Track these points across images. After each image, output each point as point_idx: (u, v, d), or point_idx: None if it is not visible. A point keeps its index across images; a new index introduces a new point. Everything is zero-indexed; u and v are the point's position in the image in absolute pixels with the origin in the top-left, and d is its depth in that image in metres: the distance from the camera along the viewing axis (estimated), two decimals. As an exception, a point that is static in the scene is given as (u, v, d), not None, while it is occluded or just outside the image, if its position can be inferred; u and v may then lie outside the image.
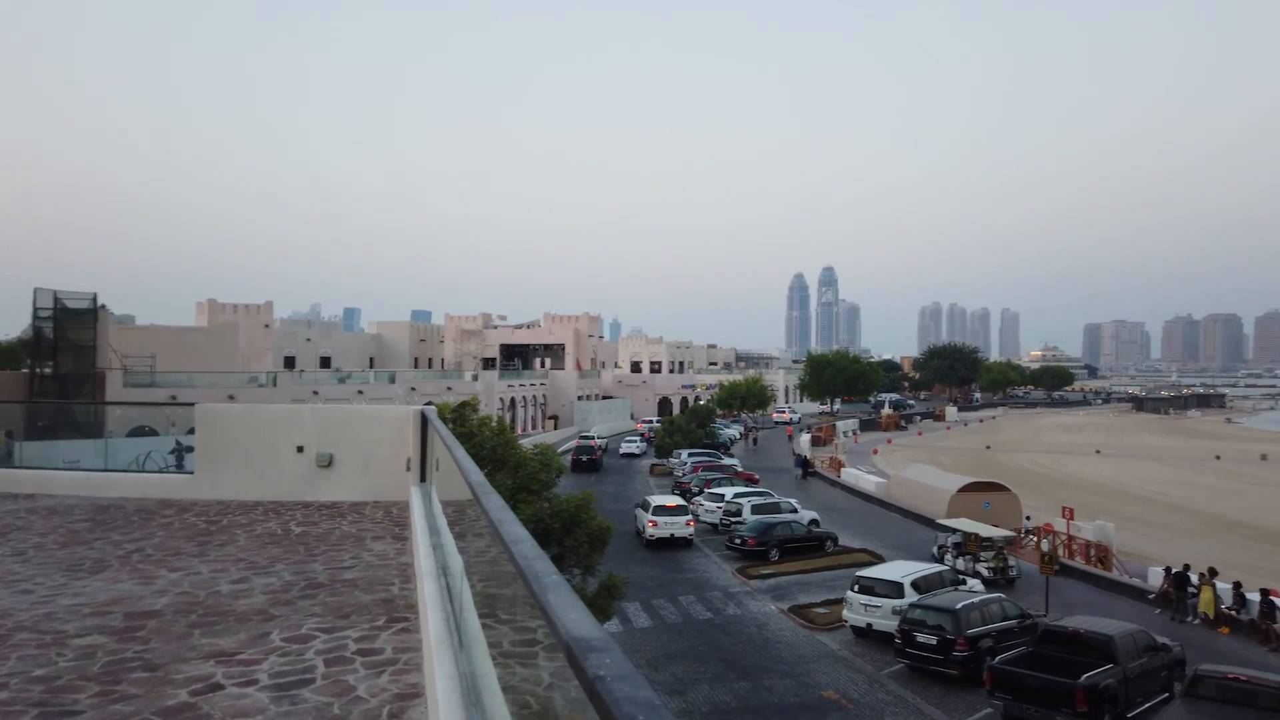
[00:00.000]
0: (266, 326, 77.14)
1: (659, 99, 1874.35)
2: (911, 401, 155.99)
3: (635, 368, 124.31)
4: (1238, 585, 25.25)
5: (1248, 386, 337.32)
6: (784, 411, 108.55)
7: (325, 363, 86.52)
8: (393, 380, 67.60)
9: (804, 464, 59.96)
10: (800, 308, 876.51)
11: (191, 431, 10.90)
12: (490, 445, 22.28)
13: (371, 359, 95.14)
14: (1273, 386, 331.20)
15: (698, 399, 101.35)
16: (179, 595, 6.17)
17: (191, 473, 10.68)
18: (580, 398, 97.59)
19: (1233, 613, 24.59)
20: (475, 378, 79.45)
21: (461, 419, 23.43)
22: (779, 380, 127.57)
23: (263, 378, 57.31)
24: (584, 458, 60.53)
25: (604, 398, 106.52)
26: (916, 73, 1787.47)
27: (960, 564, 29.75)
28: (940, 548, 32.59)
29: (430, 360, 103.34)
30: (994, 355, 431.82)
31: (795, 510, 37.68)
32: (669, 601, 26.61)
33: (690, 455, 57.26)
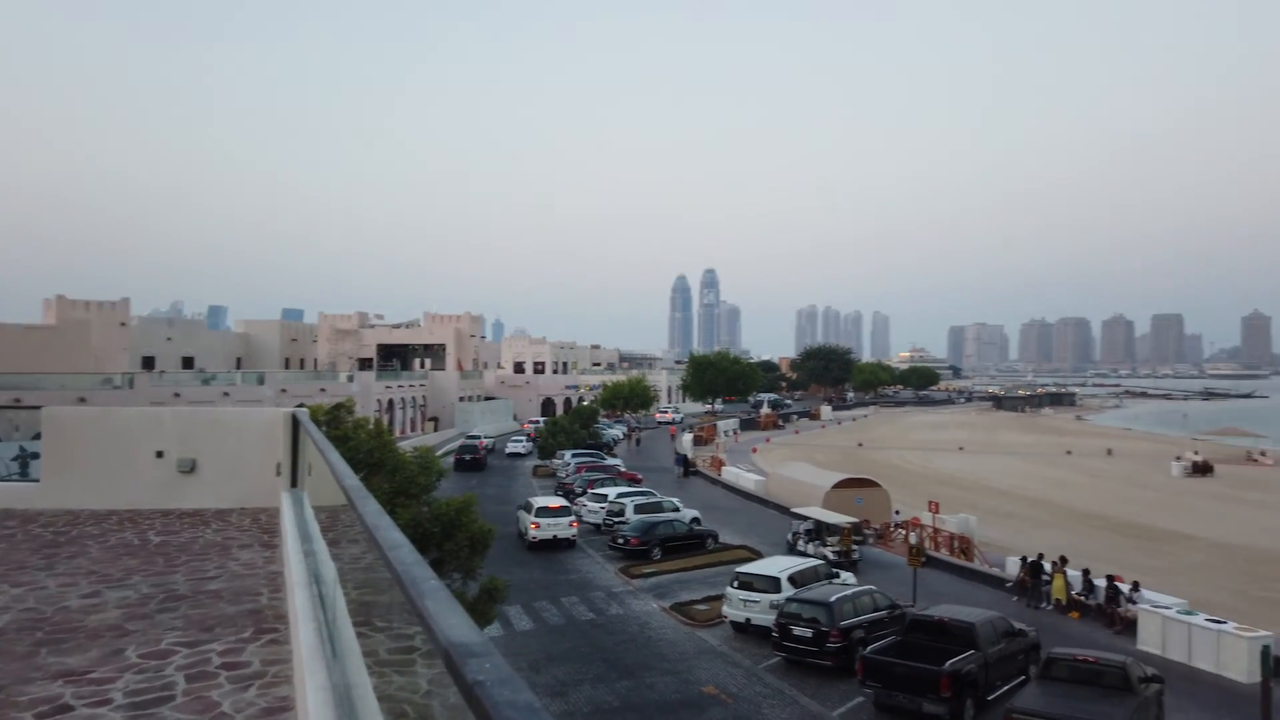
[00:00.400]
0: (123, 325, 72.46)
1: (539, 98, 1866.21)
2: (789, 401, 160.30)
3: (519, 368, 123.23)
4: (1086, 573, 27.02)
5: (1095, 386, 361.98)
6: (667, 412, 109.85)
7: (188, 363, 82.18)
8: (261, 382, 64.74)
9: (684, 463, 60.85)
10: (683, 309, 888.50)
11: (38, 437, 10.17)
12: (367, 448, 21.66)
13: (239, 359, 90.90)
14: (1117, 386, 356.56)
15: (581, 400, 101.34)
16: (23, 612, 5.72)
17: (37, 480, 9.95)
18: (462, 399, 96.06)
19: (1082, 598, 26.27)
20: (351, 379, 76.95)
21: (336, 421, 22.71)
22: (662, 381, 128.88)
23: (118, 379, 53.95)
24: (467, 456, 60.26)
25: (486, 399, 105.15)
26: (787, 77, 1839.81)
27: (810, 549, 32.74)
28: (794, 534, 35.20)
29: (302, 361, 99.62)
30: (866, 356, 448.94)
31: (677, 509, 38.15)
32: (551, 603, 26.50)
33: (573, 456, 57.20)
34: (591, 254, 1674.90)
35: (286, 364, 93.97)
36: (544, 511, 34.88)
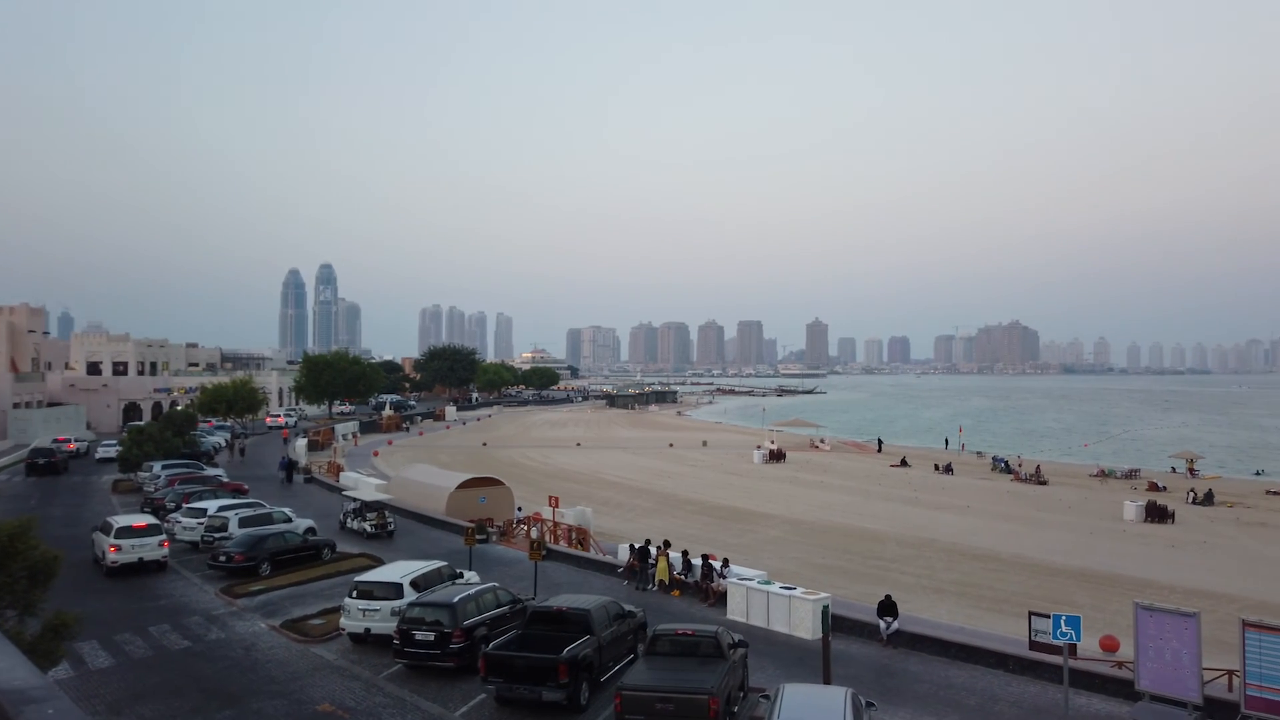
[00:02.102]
0: None
1: (135, 83, 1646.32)
2: (413, 402, 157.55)
3: (94, 369, 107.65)
4: (686, 554, 29.64)
5: (693, 384, 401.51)
6: (280, 415, 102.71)
7: None
8: None
9: (288, 467, 57.35)
10: (296, 306, 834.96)
11: None
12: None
13: None
14: (711, 384, 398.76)
15: (175, 404, 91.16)
16: None
17: None
18: (18, 405, 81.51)
19: (682, 578, 28.77)
20: None
21: None
22: (272, 382, 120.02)
23: None
24: (41, 460, 54.77)
25: (52, 404, 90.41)
26: (403, 68, 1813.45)
27: (353, 524, 38.65)
28: (344, 514, 40.09)
29: None
30: (490, 356, 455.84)
31: (289, 519, 35.57)
32: (137, 634, 23.29)
33: (164, 468, 50.99)
34: (196, 244, 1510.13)
35: None
36: (126, 532, 30.51)
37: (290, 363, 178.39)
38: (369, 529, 37.64)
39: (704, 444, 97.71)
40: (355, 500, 39.96)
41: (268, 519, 35.00)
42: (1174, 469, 78.62)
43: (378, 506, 38.75)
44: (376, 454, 77.45)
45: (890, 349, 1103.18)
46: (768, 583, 25.59)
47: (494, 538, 37.58)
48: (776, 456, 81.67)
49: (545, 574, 29.28)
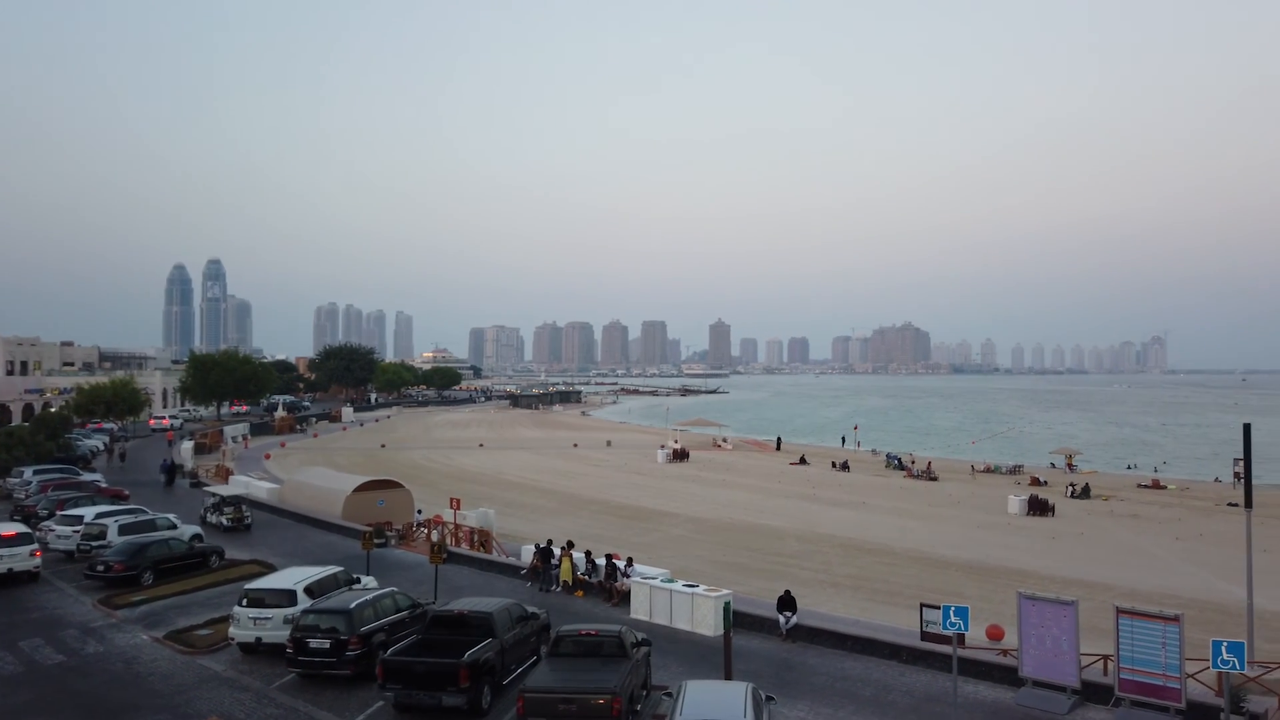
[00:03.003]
0: None
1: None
2: (307, 403, 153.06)
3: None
4: (589, 554, 29.59)
5: (597, 384, 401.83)
6: (164, 417, 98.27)
7: None
8: None
9: (170, 470, 55.04)
10: (182, 303, 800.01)
11: None
12: None
13: None
14: (615, 384, 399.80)
15: (48, 405, 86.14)
16: None
17: None
18: None
19: (586, 578, 28.71)
20: None
21: None
22: (156, 382, 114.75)
23: None
24: None
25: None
26: (302, 69, 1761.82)
27: (212, 518, 39.92)
28: (204, 508, 41.25)
29: None
30: (389, 356, 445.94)
31: (174, 526, 33.97)
32: (6, 650, 21.86)
33: (36, 473, 48.09)
34: (68, 238, 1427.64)
35: None
36: (-7, 542, 28.64)
37: (175, 362, 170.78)
38: (225, 522, 39.28)
39: (608, 444, 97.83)
40: (215, 495, 41.75)
41: (150, 526, 33.35)
42: (1054, 464, 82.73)
43: (235, 501, 40.67)
44: (269, 457, 74.84)
45: (790, 349, 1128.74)
46: (671, 581, 25.77)
47: (393, 541, 36.75)
48: (680, 456, 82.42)
49: (446, 577, 28.79)
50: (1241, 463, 26.01)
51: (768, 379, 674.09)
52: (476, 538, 36.02)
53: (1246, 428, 22.74)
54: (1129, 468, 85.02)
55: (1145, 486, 67.75)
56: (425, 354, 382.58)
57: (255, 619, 21.48)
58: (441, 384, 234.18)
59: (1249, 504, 22.43)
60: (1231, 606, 29.57)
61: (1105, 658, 19.34)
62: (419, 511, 41.65)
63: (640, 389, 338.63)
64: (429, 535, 35.76)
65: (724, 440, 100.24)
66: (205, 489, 45.71)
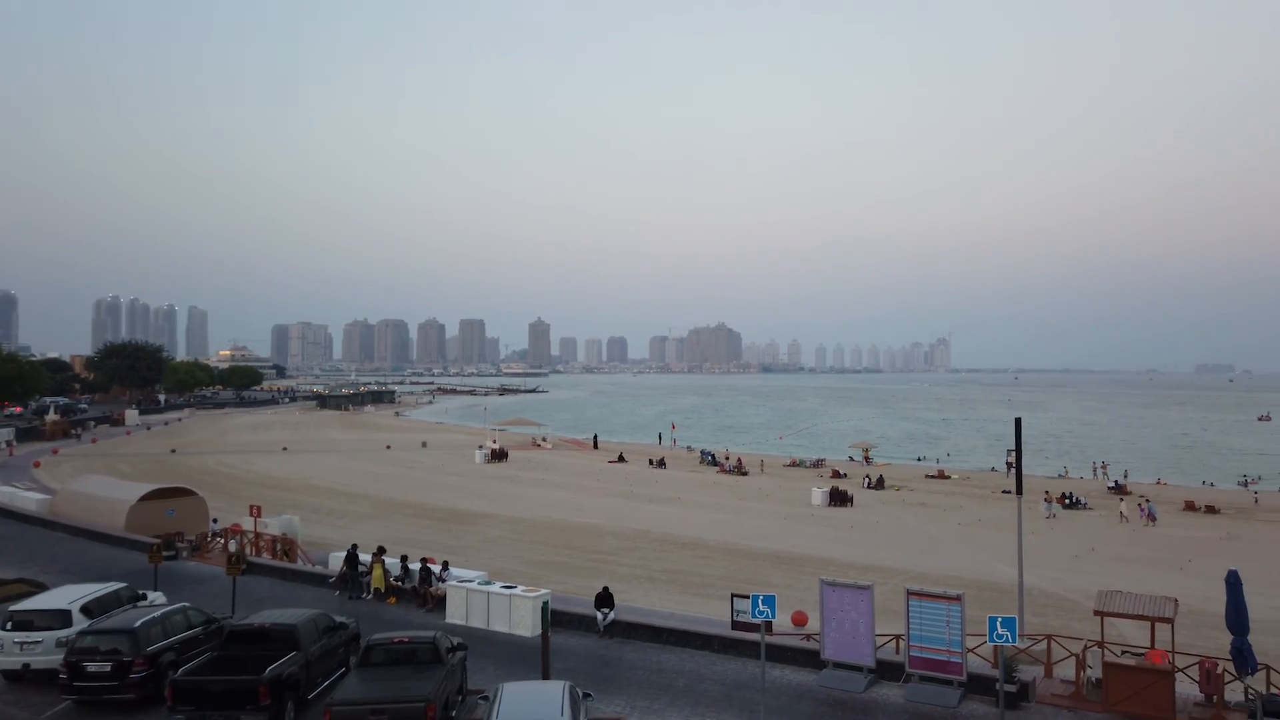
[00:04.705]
0: None
1: None
2: (85, 405, 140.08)
3: None
4: (404, 558, 28.67)
5: (412, 383, 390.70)
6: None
7: None
8: None
9: None
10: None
11: None
12: None
13: None
14: (431, 384, 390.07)
15: None
16: None
17: None
18: None
19: (399, 583, 27.79)
20: None
21: None
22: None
23: None
24: None
25: None
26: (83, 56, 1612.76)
27: None
28: None
29: None
30: (181, 354, 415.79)
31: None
32: None
33: None
34: None
35: None
36: None
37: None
38: None
39: (424, 445, 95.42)
40: None
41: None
42: (852, 458, 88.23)
43: None
44: (38, 464, 67.76)
45: (609, 349, 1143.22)
46: (488, 583, 25.40)
47: (185, 553, 34.15)
48: (498, 456, 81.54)
49: (246, 589, 27.07)
50: (1014, 453, 28.75)
51: (587, 378, 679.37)
52: (279, 546, 34.07)
53: (1018, 422, 25.19)
54: (918, 459, 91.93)
55: (932, 477, 73.49)
56: (223, 352, 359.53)
57: (22, 643, 19.34)
58: (240, 384, 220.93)
59: (1020, 491, 24.77)
60: (1005, 585, 32.52)
61: (897, 637, 20.77)
62: (214, 520, 39.00)
63: (458, 389, 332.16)
64: (225, 545, 33.48)
65: (543, 440, 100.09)
66: None
